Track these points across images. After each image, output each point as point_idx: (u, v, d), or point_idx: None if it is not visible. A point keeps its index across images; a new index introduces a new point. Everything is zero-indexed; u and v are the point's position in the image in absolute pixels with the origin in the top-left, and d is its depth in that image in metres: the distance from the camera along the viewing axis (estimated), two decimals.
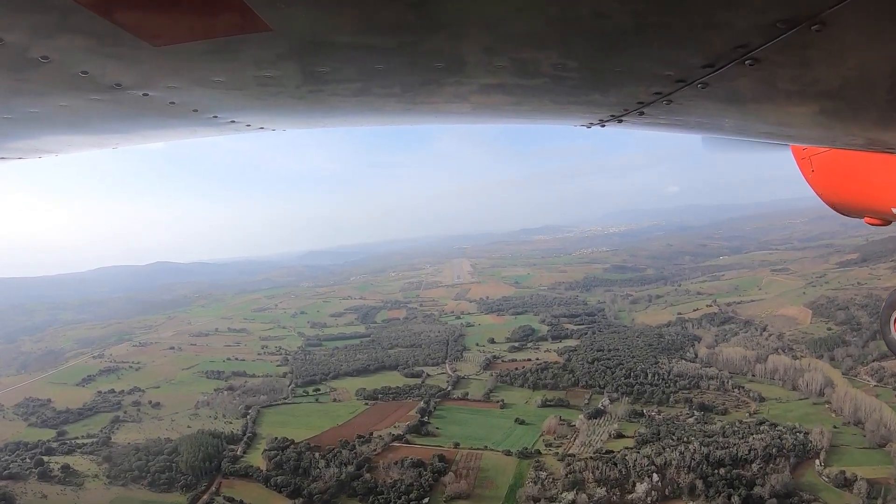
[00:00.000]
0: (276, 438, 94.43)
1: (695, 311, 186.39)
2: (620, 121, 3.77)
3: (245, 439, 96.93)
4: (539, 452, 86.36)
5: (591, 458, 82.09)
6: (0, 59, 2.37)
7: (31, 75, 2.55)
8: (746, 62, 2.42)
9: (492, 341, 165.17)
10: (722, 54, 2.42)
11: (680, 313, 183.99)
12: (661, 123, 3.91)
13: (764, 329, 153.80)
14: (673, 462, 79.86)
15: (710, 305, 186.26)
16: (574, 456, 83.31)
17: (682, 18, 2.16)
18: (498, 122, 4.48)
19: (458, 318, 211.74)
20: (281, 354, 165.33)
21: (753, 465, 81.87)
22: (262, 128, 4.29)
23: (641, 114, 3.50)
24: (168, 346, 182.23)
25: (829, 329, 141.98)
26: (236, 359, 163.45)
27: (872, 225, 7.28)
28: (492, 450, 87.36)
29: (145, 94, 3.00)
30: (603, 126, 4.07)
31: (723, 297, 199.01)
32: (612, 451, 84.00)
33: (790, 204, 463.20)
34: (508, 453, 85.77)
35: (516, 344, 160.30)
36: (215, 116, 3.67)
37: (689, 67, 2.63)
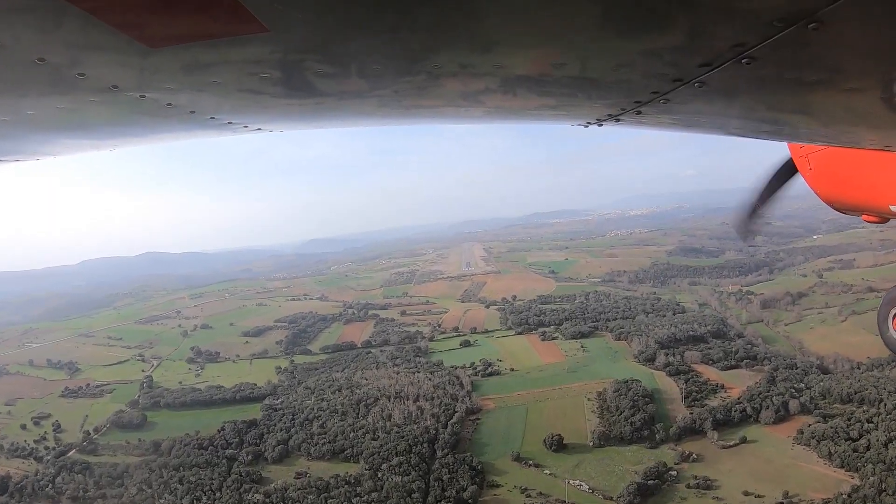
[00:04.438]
0: None
1: None
2: (618, 120, 3.61)
3: None
4: None
5: None
6: None
7: (27, 77, 2.45)
8: (743, 61, 2.29)
9: (557, 446, 56.76)
10: (719, 53, 2.29)
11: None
12: (659, 123, 3.78)
13: None
14: None
15: None
16: None
17: (679, 18, 2.08)
18: (494, 122, 4.30)
19: (468, 342, 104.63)
20: None
21: None
22: (259, 129, 4.04)
23: (639, 113, 3.35)
24: None
25: None
26: None
27: (870, 223, 6.90)
28: None
29: (142, 96, 2.87)
30: (600, 125, 3.92)
31: None
32: None
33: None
34: None
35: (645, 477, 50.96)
36: (213, 118, 3.50)
37: (686, 67, 2.52)
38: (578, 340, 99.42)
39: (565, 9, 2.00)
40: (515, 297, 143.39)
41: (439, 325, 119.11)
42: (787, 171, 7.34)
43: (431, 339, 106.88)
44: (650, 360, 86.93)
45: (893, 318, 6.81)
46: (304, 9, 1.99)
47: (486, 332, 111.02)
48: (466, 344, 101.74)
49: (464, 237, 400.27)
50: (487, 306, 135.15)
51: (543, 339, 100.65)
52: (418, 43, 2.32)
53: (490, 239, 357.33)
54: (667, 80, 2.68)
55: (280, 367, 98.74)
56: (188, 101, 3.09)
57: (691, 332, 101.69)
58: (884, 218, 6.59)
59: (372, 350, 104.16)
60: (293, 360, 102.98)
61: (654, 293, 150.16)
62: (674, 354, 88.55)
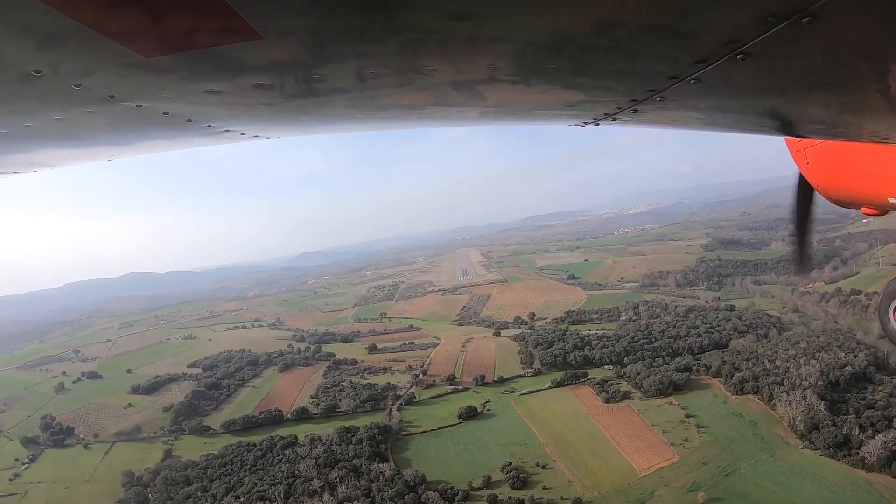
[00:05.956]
0: None
1: None
2: (615, 118, 3.64)
3: None
4: None
5: None
6: None
7: (24, 89, 2.43)
8: (738, 57, 2.27)
9: None
10: (714, 50, 2.27)
11: None
12: (655, 120, 3.77)
13: None
14: None
15: None
16: None
17: (673, 15, 2.06)
18: (492, 124, 4.34)
19: (474, 410, 57.10)
20: None
21: None
22: (256, 136, 4.03)
23: (635, 111, 3.35)
24: None
25: None
26: None
27: (869, 215, 6.78)
28: None
29: (139, 106, 2.86)
30: (597, 125, 3.98)
31: None
32: None
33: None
34: None
35: None
36: (209, 126, 3.48)
37: (681, 64, 2.49)
38: (673, 399, 55.15)
39: (562, 11, 1.95)
40: (535, 314, 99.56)
41: (424, 370, 74.77)
42: (805, 191, 6.87)
43: (409, 403, 62.43)
44: (841, 446, 42.58)
45: (894, 311, 6.63)
46: (298, 15, 1.92)
47: (501, 381, 67.10)
48: (472, 414, 57.28)
49: (458, 243, 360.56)
50: (497, 331, 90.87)
51: (608, 401, 56.06)
52: (413, 46, 2.25)
53: (487, 243, 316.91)
54: (662, 78, 2.63)
55: (134, 472, 53.67)
56: (185, 110, 3.01)
57: (843, 363, 58.19)
58: (882, 210, 6.34)
59: (300, 436, 58.27)
60: (171, 447, 58.40)
61: (719, 299, 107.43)
62: (872, 425, 44.30)
